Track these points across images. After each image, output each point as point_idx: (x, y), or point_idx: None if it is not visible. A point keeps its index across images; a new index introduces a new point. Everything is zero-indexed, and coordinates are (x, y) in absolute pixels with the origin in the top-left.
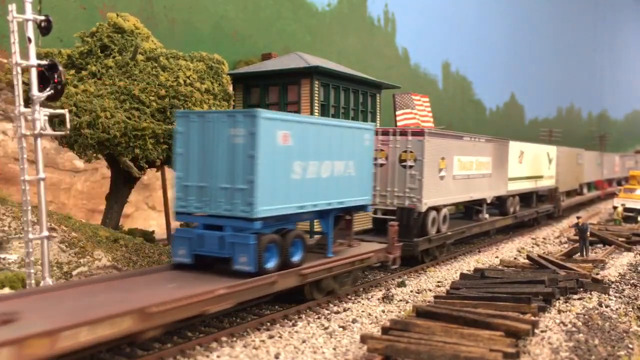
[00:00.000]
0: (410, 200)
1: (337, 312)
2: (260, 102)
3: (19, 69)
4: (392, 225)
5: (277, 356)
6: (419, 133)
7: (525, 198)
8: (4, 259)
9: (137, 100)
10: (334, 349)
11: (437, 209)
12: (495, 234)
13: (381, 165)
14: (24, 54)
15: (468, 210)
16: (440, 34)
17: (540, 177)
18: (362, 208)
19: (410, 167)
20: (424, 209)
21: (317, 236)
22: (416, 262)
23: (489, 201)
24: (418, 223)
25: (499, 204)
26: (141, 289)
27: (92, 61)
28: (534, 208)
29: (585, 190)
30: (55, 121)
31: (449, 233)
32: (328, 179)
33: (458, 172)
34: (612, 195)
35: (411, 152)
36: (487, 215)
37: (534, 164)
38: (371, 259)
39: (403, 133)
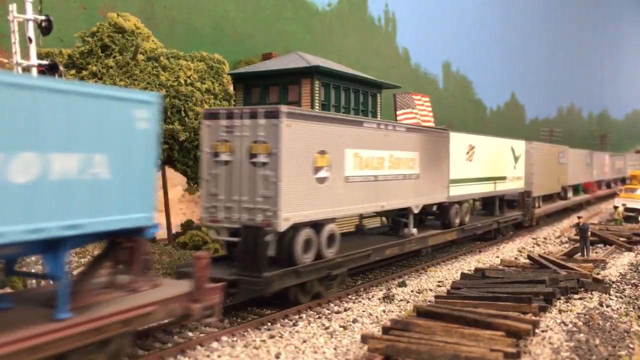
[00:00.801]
0: (264, 215)
1: (338, 312)
2: (261, 102)
3: (19, 69)
4: (197, 258)
5: (277, 356)
6: (273, 113)
7: (489, 205)
8: None
9: None
10: (335, 348)
11: (316, 225)
12: (431, 252)
13: (226, 163)
14: (25, 54)
15: (395, 223)
16: (440, 34)
17: (502, 178)
18: (137, 232)
19: (264, 164)
20: (283, 227)
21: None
22: (288, 304)
23: (416, 210)
24: (283, 247)
25: (441, 214)
26: None
27: (92, 61)
28: (494, 217)
29: (570, 194)
30: None
31: (339, 259)
32: (32, 186)
33: (355, 173)
34: (603, 199)
35: (264, 142)
36: (414, 230)
37: (491, 163)
38: (154, 315)
39: (253, 114)
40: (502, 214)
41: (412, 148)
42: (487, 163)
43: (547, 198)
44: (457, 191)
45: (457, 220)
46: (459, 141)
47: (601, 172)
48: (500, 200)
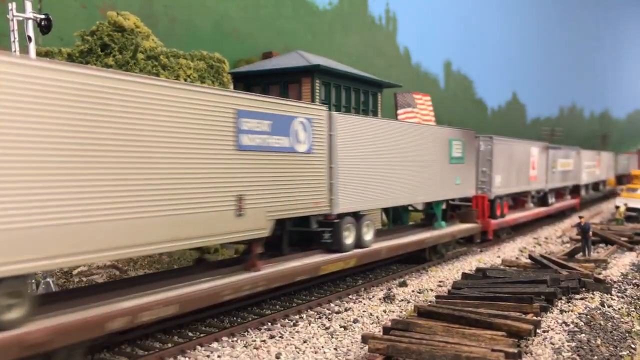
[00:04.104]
0: None
1: (339, 312)
2: None
3: None
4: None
5: (278, 356)
6: None
7: None
8: None
9: None
10: (335, 349)
11: None
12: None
13: None
14: (24, 53)
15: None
16: (441, 33)
17: None
18: None
19: None
20: None
21: None
22: None
23: None
24: None
25: None
26: None
27: (92, 60)
28: None
29: (364, 235)
30: None
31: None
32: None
33: None
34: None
35: None
36: None
37: None
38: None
39: None
40: None
41: None
42: None
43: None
44: None
45: None
46: None
47: (522, 178)
48: None
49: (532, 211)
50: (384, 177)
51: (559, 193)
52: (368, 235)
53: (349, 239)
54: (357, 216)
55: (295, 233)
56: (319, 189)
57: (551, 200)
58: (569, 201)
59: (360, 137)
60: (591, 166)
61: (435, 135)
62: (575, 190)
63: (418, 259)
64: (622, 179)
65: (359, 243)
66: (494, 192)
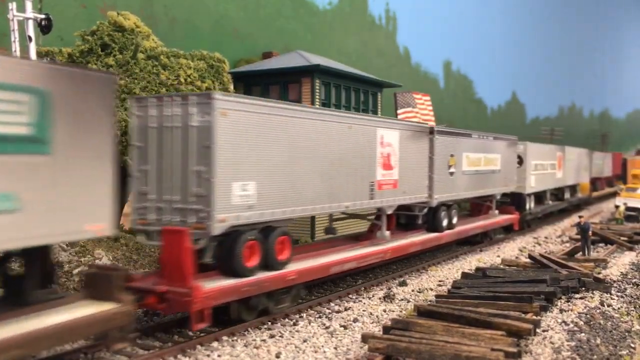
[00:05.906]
0: None
1: (339, 312)
2: None
3: None
4: None
5: (278, 355)
6: None
7: None
8: None
9: None
10: (335, 348)
11: None
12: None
13: None
14: (25, 53)
15: None
16: (441, 33)
17: None
18: None
19: None
20: None
21: None
22: None
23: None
24: None
25: None
26: None
27: (92, 60)
28: None
29: None
30: None
31: None
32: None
33: None
34: None
35: None
36: None
37: None
38: None
39: None
40: None
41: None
42: None
43: None
44: None
45: None
46: None
47: (350, 187)
48: None
49: (380, 247)
50: None
51: (481, 207)
52: None
53: None
54: None
55: None
56: None
57: (447, 220)
58: (495, 219)
59: None
60: (546, 166)
61: None
62: (518, 202)
63: None
64: (596, 183)
65: None
66: (227, 219)
